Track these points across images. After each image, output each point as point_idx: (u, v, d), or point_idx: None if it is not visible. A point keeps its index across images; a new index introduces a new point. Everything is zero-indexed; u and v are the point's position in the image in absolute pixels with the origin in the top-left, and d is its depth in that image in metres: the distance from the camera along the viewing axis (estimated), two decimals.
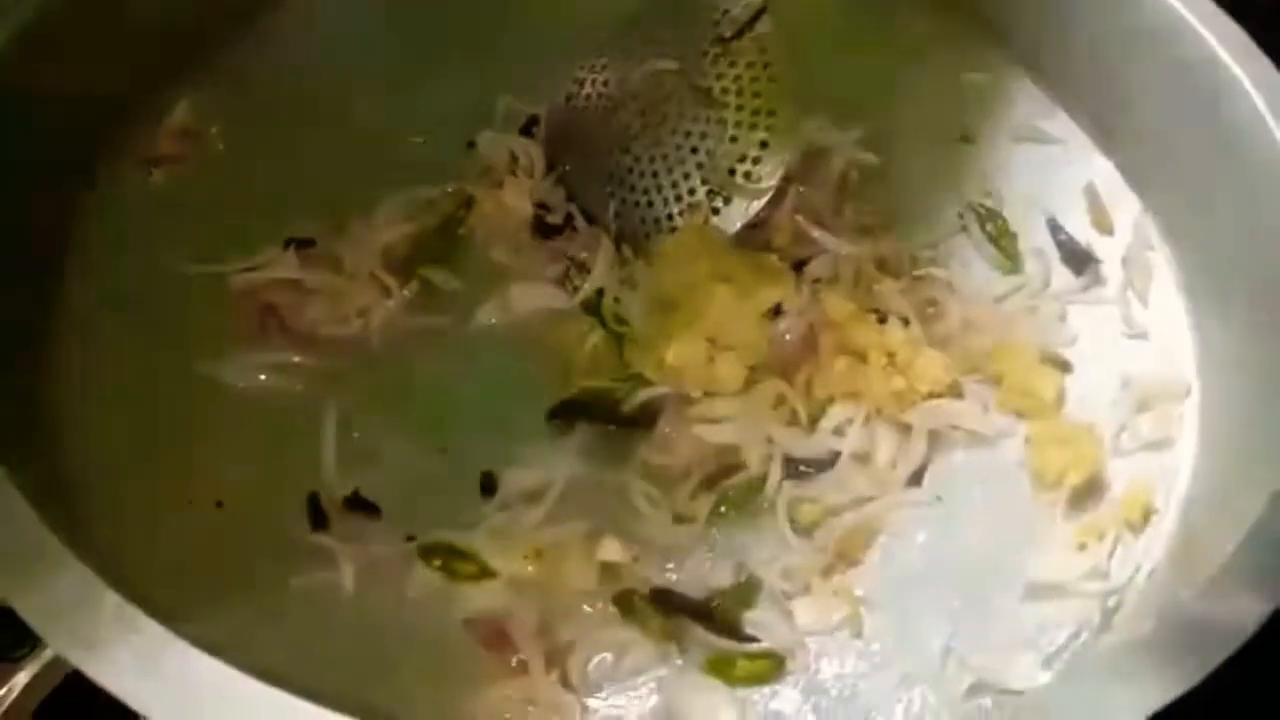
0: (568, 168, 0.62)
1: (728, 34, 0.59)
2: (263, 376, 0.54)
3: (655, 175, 0.60)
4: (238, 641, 0.36)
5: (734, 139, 0.58)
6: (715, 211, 0.59)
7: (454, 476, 0.52)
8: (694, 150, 0.59)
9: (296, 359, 0.55)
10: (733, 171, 0.58)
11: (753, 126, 0.58)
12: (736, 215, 0.59)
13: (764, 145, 0.58)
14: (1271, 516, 0.38)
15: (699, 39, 0.59)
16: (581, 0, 0.65)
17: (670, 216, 0.59)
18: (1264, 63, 0.50)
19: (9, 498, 0.36)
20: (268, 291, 0.56)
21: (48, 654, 0.47)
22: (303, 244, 0.58)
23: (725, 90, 0.58)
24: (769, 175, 0.58)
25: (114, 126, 0.57)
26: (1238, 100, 0.49)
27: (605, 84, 0.61)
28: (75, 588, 0.34)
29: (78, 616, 0.33)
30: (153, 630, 0.33)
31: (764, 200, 0.58)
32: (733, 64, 0.58)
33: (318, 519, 0.49)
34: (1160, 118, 0.55)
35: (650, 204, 0.60)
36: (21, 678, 0.43)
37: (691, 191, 0.59)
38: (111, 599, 0.34)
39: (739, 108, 0.58)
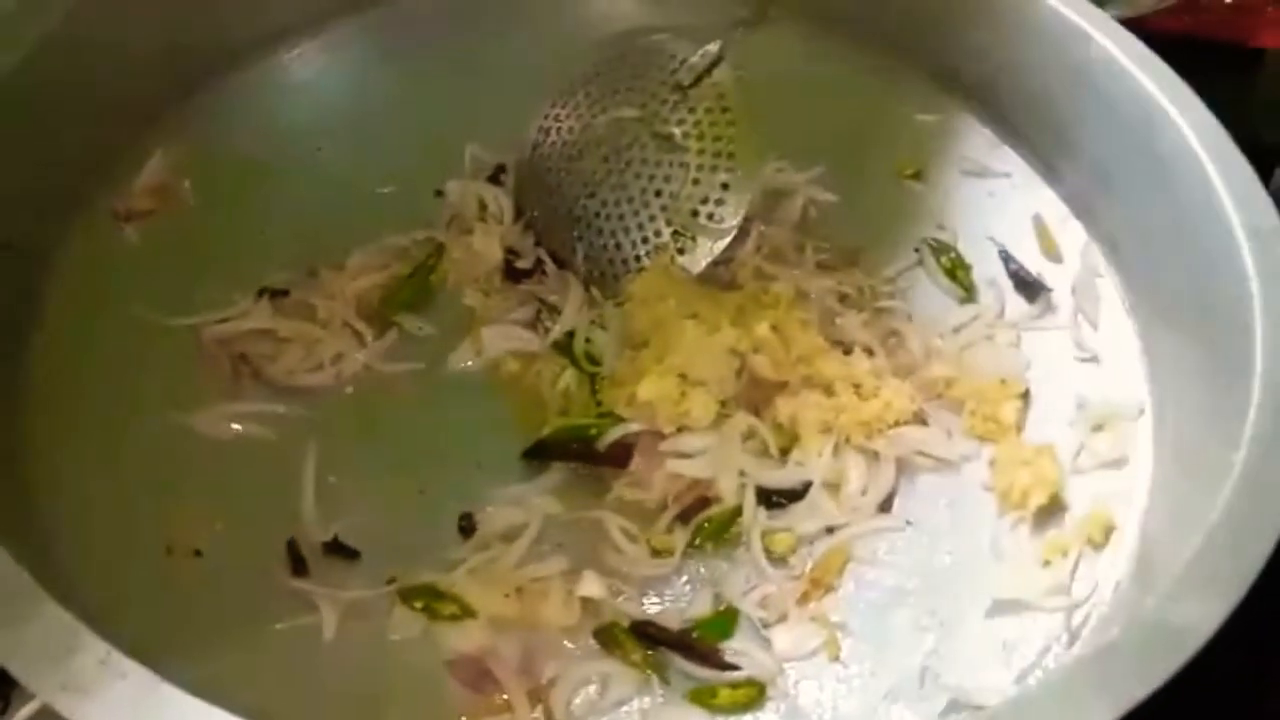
0: (535, 214, 0.64)
1: (687, 81, 0.61)
2: (237, 426, 0.54)
3: (621, 218, 0.61)
4: (221, 689, 0.36)
5: (696, 181, 0.60)
6: (681, 251, 0.60)
7: (432, 519, 0.52)
8: (658, 193, 0.61)
9: (271, 408, 0.55)
10: (696, 213, 0.60)
11: (714, 169, 0.60)
12: (702, 255, 0.60)
13: (725, 187, 0.60)
14: (1225, 524, 0.39)
15: (659, 87, 0.61)
16: (544, 51, 0.67)
17: (638, 258, 0.61)
18: (1191, 98, 0.53)
19: None
20: (241, 341, 0.57)
21: (24, 712, 0.47)
22: (276, 294, 0.59)
23: (686, 135, 0.60)
24: (731, 215, 0.60)
25: (86, 182, 0.58)
26: (1169, 132, 0.52)
27: (570, 132, 0.63)
28: (59, 634, 0.34)
29: (63, 663, 0.33)
30: (139, 675, 0.33)
31: (727, 239, 0.60)
32: (692, 110, 0.61)
33: (297, 565, 0.50)
34: (1100, 151, 0.57)
35: (618, 246, 0.61)
36: None
37: (657, 233, 0.61)
38: (96, 644, 0.34)
39: (700, 151, 0.60)
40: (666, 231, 0.60)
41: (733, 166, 0.60)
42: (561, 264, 0.63)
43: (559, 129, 0.64)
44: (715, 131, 0.60)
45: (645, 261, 0.61)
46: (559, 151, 0.64)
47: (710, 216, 0.60)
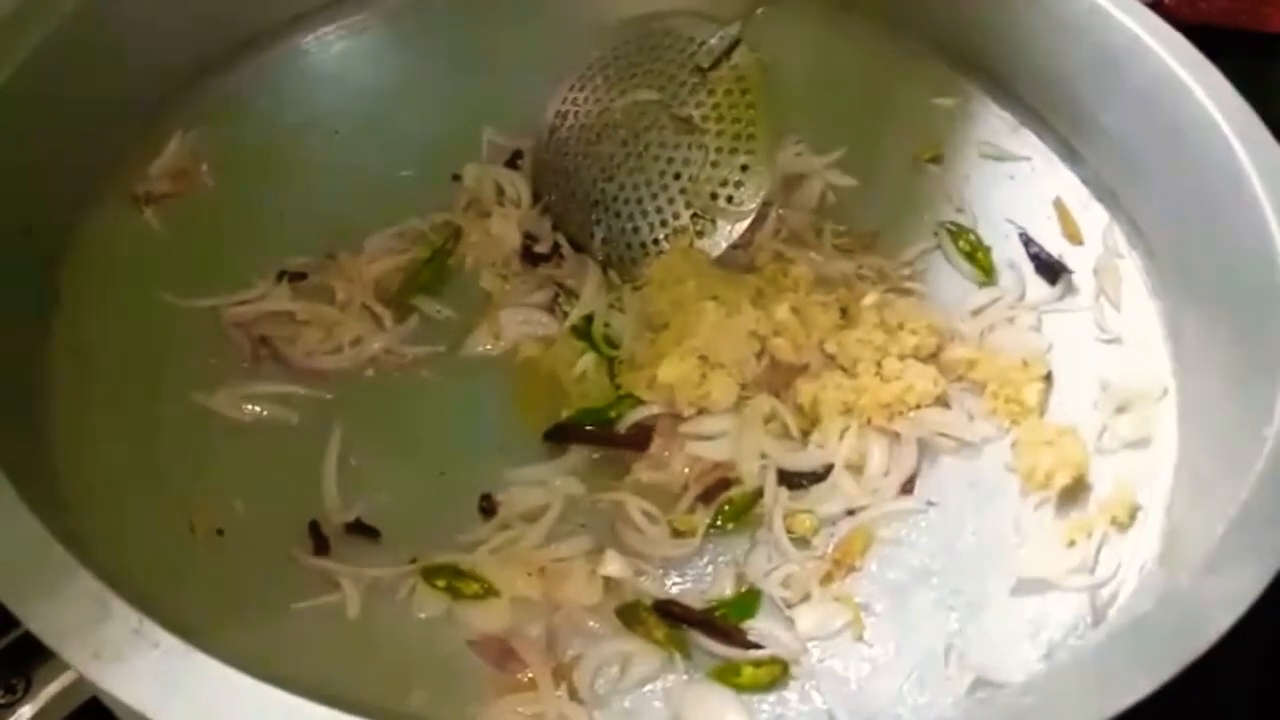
0: (553, 198, 0.64)
1: (705, 64, 0.61)
2: (256, 407, 0.54)
3: (640, 201, 0.61)
4: (245, 666, 0.36)
5: (715, 164, 0.60)
6: (700, 234, 0.60)
7: (453, 500, 0.52)
8: (677, 176, 0.61)
9: (291, 390, 0.55)
10: (715, 196, 0.60)
11: (733, 151, 0.60)
12: (721, 237, 0.60)
13: (744, 169, 0.60)
14: (1259, 496, 0.39)
15: (678, 69, 0.61)
16: (562, 35, 0.67)
17: (656, 241, 0.61)
18: (1216, 75, 0.52)
19: (18, 515, 0.36)
20: (261, 324, 0.57)
21: (45, 694, 0.47)
22: (295, 277, 0.59)
23: (705, 118, 0.60)
24: (750, 198, 0.60)
25: (105, 166, 0.58)
26: (1193, 111, 0.52)
27: (588, 115, 0.63)
28: (90, 604, 0.34)
29: (95, 632, 0.33)
30: (171, 644, 0.33)
31: (747, 222, 0.60)
32: (711, 92, 0.60)
33: (319, 544, 0.50)
34: (1122, 132, 0.57)
35: (636, 229, 0.61)
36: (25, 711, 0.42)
37: (676, 216, 0.61)
38: (129, 613, 0.33)
39: (719, 134, 0.60)
40: (685, 214, 0.60)
41: (752, 149, 0.60)
42: (579, 248, 0.62)
43: (577, 113, 0.64)
44: (734, 114, 0.60)
45: (664, 245, 0.60)
46: (577, 135, 0.63)
47: (729, 199, 0.60)
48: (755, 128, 0.60)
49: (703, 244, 0.60)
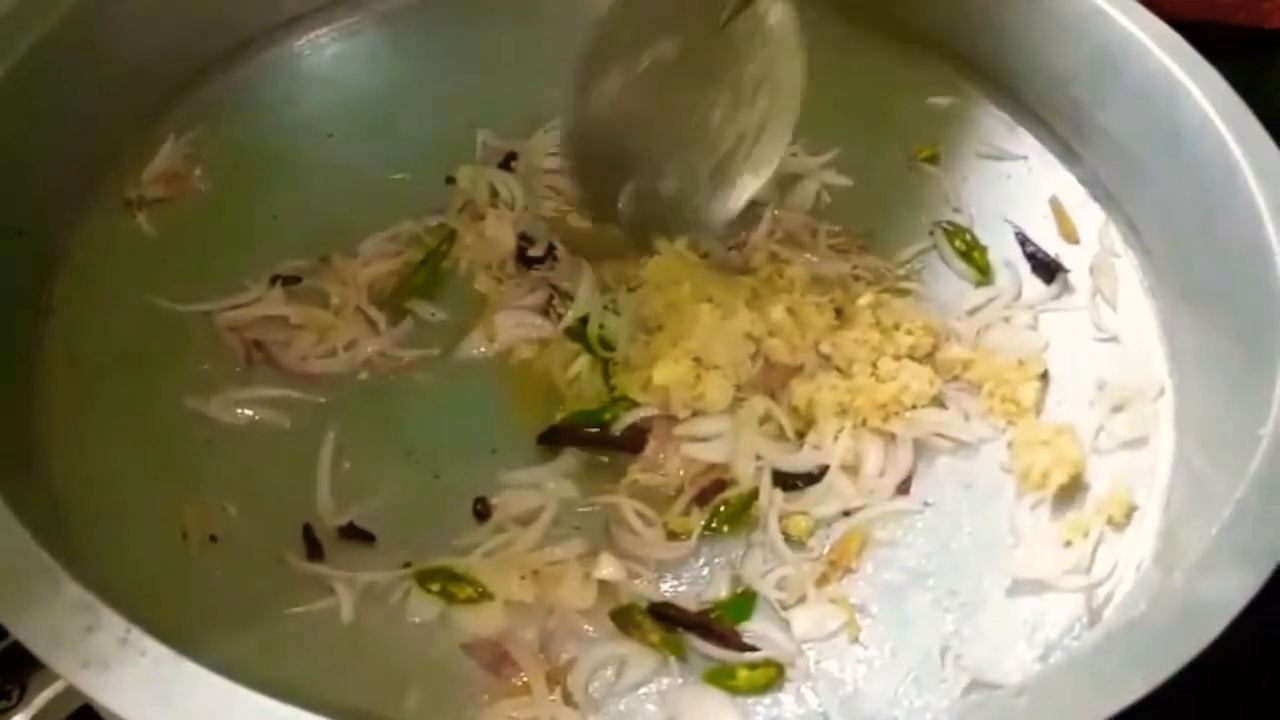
0: (578, 161, 0.62)
1: (724, 16, 0.59)
2: (250, 412, 0.54)
3: (667, 157, 0.60)
4: (239, 673, 0.36)
5: (734, 120, 0.58)
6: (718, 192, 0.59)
7: (447, 503, 0.52)
8: (700, 130, 0.59)
9: (285, 394, 0.55)
10: (734, 151, 0.59)
11: (752, 106, 0.58)
12: (743, 192, 0.59)
13: (765, 125, 0.58)
14: (1253, 496, 0.39)
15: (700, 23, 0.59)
16: (555, 37, 0.66)
17: (681, 203, 0.60)
18: (1213, 75, 0.52)
19: (7, 525, 0.36)
20: (255, 328, 0.57)
21: (39, 700, 0.47)
22: (288, 281, 0.59)
23: (727, 71, 0.58)
24: (770, 156, 0.59)
25: (99, 170, 0.58)
26: (1190, 110, 0.52)
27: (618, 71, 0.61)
28: (79, 613, 0.34)
29: (83, 641, 0.33)
30: (160, 652, 0.33)
31: (767, 176, 0.59)
32: (734, 45, 0.58)
33: (313, 549, 0.49)
34: (1119, 131, 0.57)
35: (664, 186, 0.60)
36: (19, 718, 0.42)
37: (699, 172, 0.59)
38: (117, 622, 0.33)
39: (737, 88, 0.58)
40: (707, 169, 0.59)
41: (774, 104, 0.58)
42: (601, 215, 0.61)
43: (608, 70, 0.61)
44: (755, 69, 0.58)
45: (690, 202, 0.59)
46: (607, 92, 0.60)
47: (748, 156, 0.59)
48: (779, 81, 0.58)
49: (721, 202, 0.59)
